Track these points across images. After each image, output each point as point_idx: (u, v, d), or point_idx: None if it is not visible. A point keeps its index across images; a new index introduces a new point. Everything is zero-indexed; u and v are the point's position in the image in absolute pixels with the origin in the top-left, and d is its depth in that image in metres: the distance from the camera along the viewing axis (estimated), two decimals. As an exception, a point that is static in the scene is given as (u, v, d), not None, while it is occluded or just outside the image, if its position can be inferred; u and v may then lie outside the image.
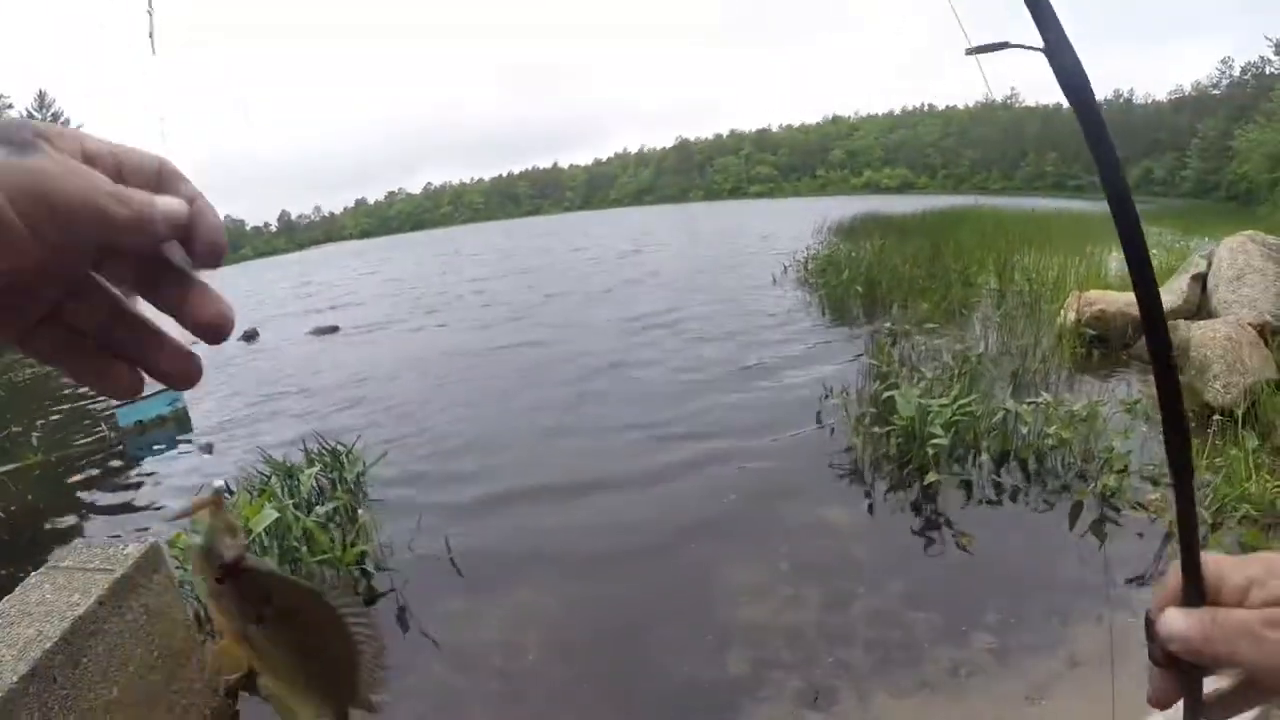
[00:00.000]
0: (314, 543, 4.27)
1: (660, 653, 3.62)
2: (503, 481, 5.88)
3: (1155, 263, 11.00)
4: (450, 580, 4.42)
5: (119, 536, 5.60)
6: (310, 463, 5.46)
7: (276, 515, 4.02)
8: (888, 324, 9.03)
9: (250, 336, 16.19)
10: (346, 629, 0.46)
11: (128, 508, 6.61)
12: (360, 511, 4.95)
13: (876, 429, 5.71)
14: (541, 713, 3.30)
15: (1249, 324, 6.38)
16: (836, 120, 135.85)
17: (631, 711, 3.30)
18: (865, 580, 4.10)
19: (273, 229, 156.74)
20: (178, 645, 3.02)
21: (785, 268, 16.04)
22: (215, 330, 0.40)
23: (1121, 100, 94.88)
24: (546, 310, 15.04)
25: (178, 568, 3.56)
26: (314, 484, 5.17)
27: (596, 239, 37.86)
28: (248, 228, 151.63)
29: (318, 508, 4.63)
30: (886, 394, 5.84)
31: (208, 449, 7.85)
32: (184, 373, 0.42)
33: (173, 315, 0.40)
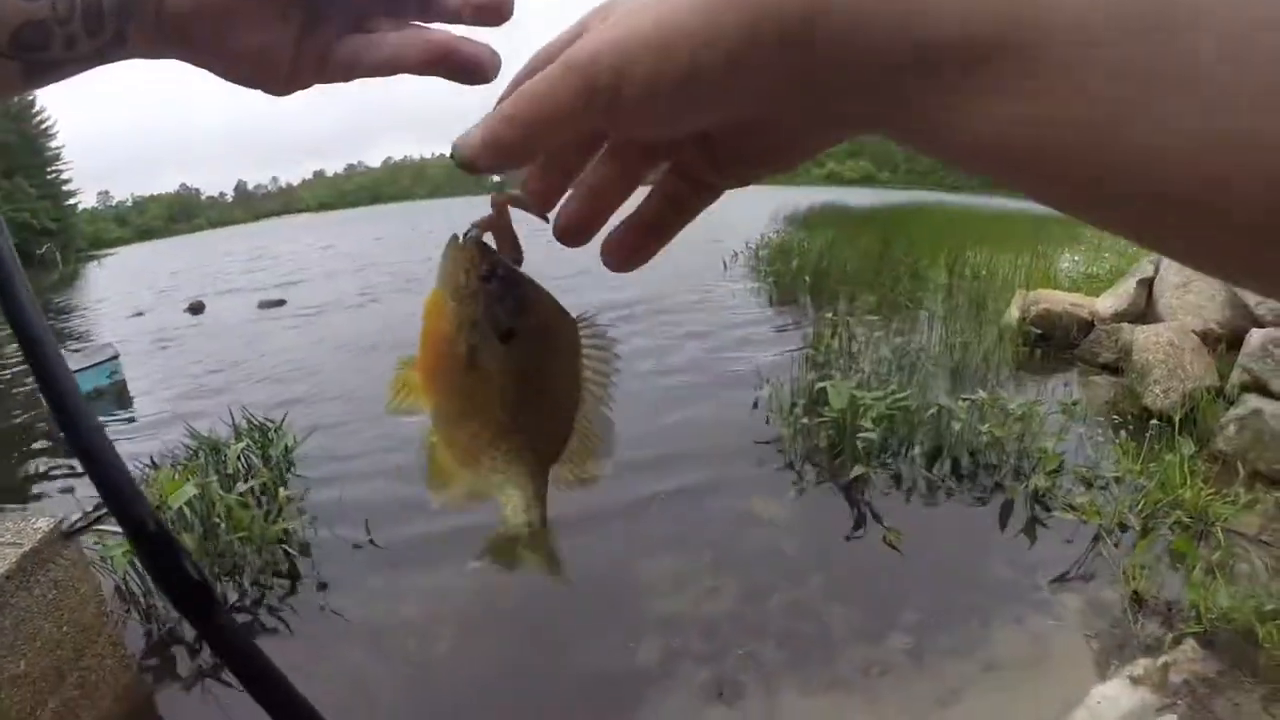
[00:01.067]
0: (235, 519, 4.16)
1: (574, 643, 3.53)
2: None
3: (1106, 266, 11.28)
4: (370, 562, 4.32)
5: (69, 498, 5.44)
6: (238, 438, 5.31)
7: (195, 492, 3.97)
8: (831, 314, 8.97)
9: (196, 309, 15.88)
10: (580, 376, 0.42)
11: (63, 483, 6.24)
12: (283, 490, 4.75)
13: (808, 420, 5.60)
14: (453, 699, 3.24)
15: (1193, 330, 6.41)
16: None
17: (541, 700, 3.21)
18: (787, 573, 3.98)
19: (229, 199, 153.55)
20: (87, 620, 3.04)
21: (736, 254, 15.94)
22: (497, 9, 0.41)
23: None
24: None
25: (95, 544, 3.52)
26: (241, 460, 5.02)
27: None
28: (203, 197, 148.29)
29: (240, 484, 4.51)
30: (820, 385, 5.74)
31: None
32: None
33: (456, 17, 0.41)
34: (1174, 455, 4.56)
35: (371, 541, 4.44)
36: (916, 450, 5.25)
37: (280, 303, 15.65)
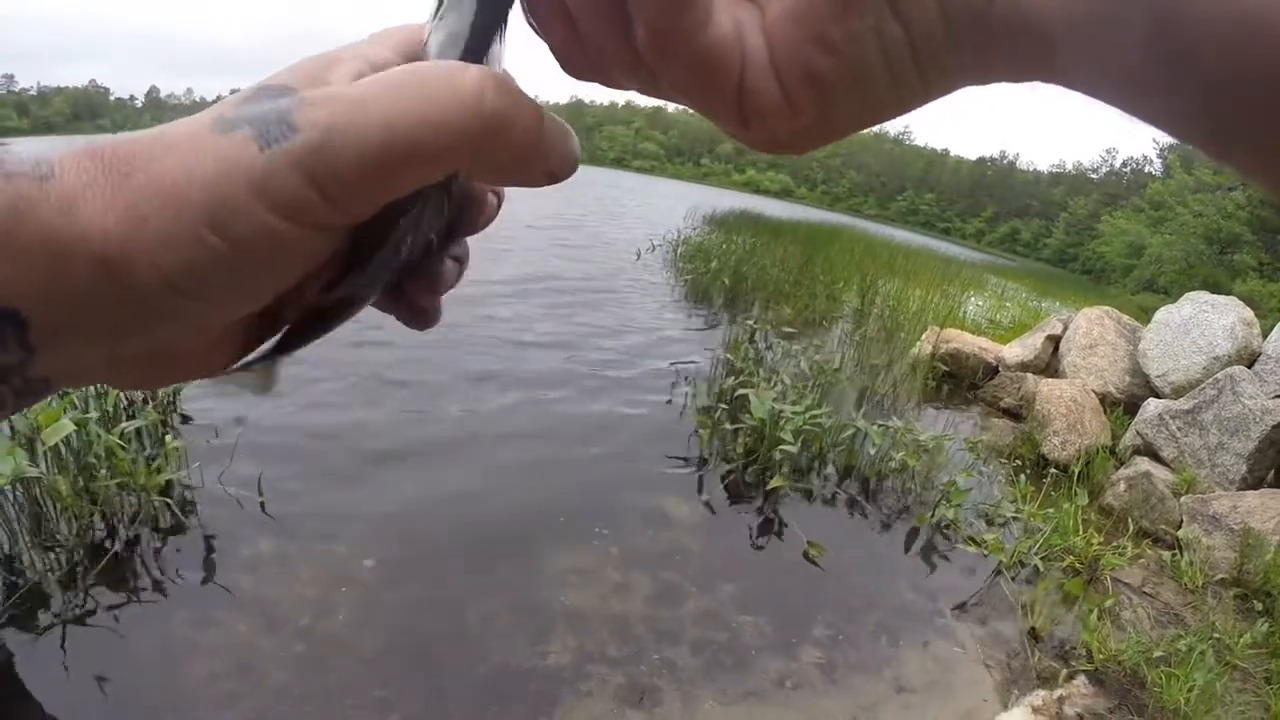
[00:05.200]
0: (115, 462, 3.81)
1: (478, 630, 3.43)
2: (328, 426, 5.40)
3: (1009, 316, 11.99)
4: (261, 525, 4.03)
5: None
6: (126, 369, 4.86)
7: (74, 428, 3.54)
8: (750, 321, 9.17)
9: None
10: None
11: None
12: (170, 435, 4.36)
13: (727, 425, 5.73)
14: (347, 682, 3.04)
15: (1093, 390, 6.91)
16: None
17: (442, 692, 3.08)
18: (697, 577, 4.06)
19: (139, 104, 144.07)
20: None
21: (654, 245, 16.05)
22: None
23: (1006, 161, 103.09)
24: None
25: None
26: (123, 395, 4.58)
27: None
28: (111, 98, 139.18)
29: (125, 424, 4.11)
30: (740, 391, 5.88)
31: None
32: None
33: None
34: (1070, 504, 4.92)
35: (263, 504, 4.16)
36: (830, 468, 5.47)
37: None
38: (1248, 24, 0.21)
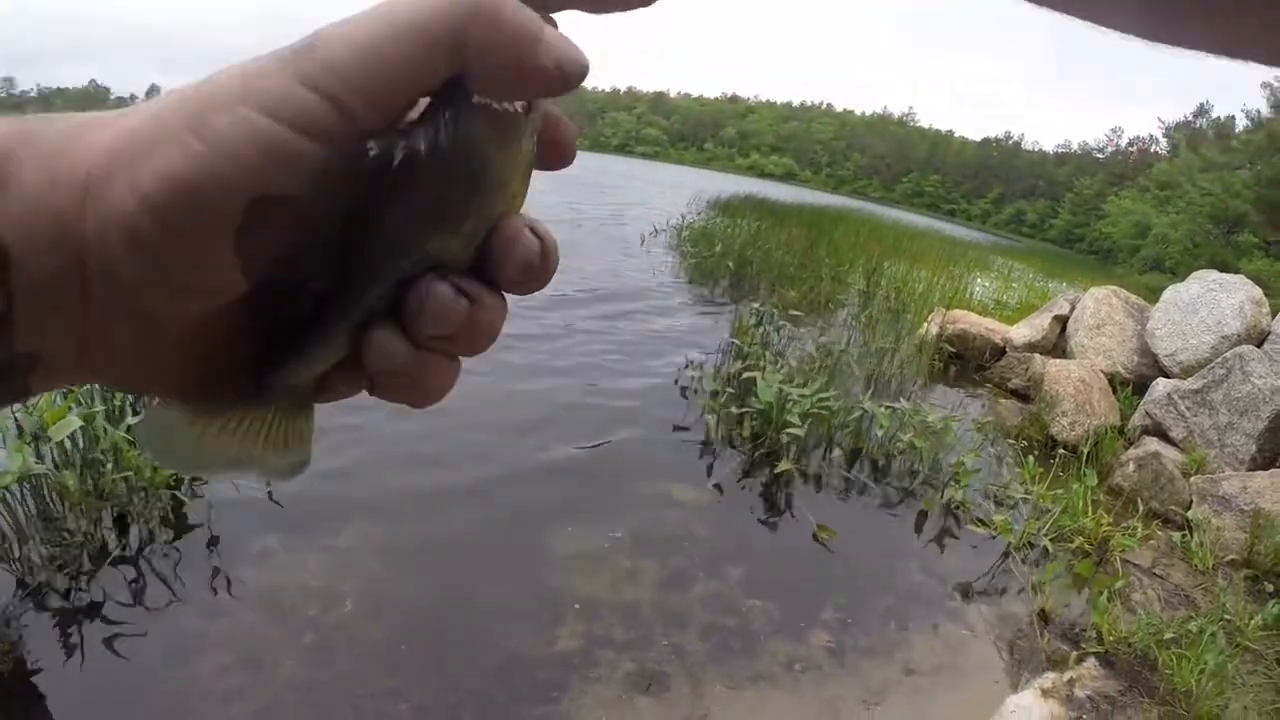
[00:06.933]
0: (122, 458, 3.77)
1: (486, 618, 3.40)
2: (336, 416, 5.37)
3: (1016, 297, 11.93)
4: (268, 517, 3.97)
5: None
6: (133, 363, 4.84)
7: (81, 424, 3.50)
8: (755, 304, 9.10)
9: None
10: None
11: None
12: None
13: (733, 409, 5.70)
14: (355, 671, 3.02)
15: (1102, 370, 6.86)
16: (735, 99, 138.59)
17: (452, 679, 3.06)
18: (705, 562, 4.03)
19: (139, 102, 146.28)
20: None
21: (656, 230, 16.00)
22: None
23: (1011, 142, 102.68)
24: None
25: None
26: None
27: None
28: (112, 97, 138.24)
29: (132, 419, 4.02)
30: (747, 375, 5.85)
31: None
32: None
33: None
34: (1079, 485, 4.89)
35: (270, 494, 4.11)
36: (837, 451, 5.44)
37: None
38: None
